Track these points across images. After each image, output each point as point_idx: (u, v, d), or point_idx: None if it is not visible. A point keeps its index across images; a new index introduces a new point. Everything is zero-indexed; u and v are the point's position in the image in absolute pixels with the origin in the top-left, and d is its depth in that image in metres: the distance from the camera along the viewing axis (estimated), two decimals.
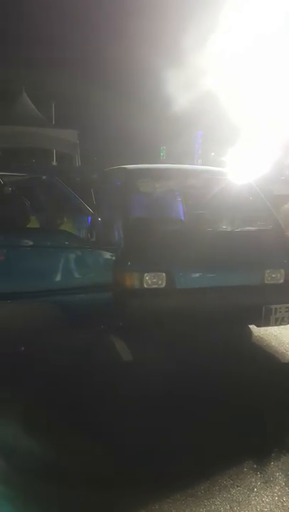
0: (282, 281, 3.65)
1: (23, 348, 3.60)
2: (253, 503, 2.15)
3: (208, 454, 2.49)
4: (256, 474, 2.34)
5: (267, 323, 3.61)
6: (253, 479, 2.31)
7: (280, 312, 3.55)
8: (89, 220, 4.39)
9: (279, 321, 3.60)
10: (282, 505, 2.14)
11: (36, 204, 5.00)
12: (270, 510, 2.11)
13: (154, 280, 3.44)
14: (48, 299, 3.46)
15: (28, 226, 4.64)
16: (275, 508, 2.13)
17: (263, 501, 2.16)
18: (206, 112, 19.18)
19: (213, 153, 18.95)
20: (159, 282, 3.45)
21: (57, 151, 17.51)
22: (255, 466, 2.41)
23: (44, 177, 4.56)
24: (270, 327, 4.05)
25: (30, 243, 3.56)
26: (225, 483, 2.28)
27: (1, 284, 3.32)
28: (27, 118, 16.58)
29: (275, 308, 3.53)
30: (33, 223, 4.81)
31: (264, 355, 3.95)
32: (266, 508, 2.13)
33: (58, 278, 3.49)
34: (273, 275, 3.63)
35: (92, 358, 3.66)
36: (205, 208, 4.42)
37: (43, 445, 2.48)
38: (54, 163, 17.02)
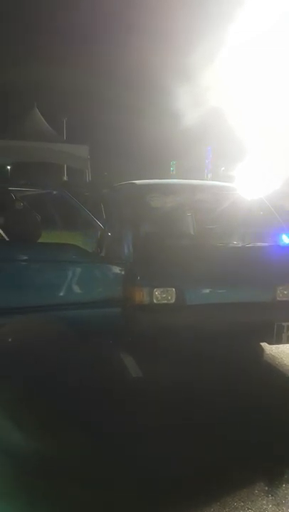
0: None
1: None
2: None
3: (219, 474, 2.44)
4: (267, 496, 2.28)
5: (279, 341, 3.54)
6: (264, 501, 2.25)
7: None
8: (99, 235, 4.41)
9: None
10: None
11: (47, 218, 5.06)
12: None
13: (164, 295, 3.42)
14: (57, 313, 3.46)
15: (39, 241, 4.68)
16: None
17: None
18: (216, 126, 19.31)
19: (223, 168, 18.99)
20: (169, 298, 3.42)
21: (68, 166, 17.71)
22: (266, 488, 2.35)
23: (55, 192, 4.60)
24: (282, 345, 3.98)
25: (40, 257, 3.57)
26: (235, 504, 2.22)
27: (11, 298, 3.33)
28: (38, 133, 16.85)
29: (288, 326, 3.47)
30: (44, 238, 4.85)
31: (276, 374, 3.88)
32: None
33: (67, 292, 3.48)
34: (285, 292, 3.58)
35: (101, 373, 3.63)
36: (215, 223, 4.41)
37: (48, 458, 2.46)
38: (65, 178, 17.21)
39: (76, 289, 3.51)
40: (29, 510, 2.16)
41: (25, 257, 3.52)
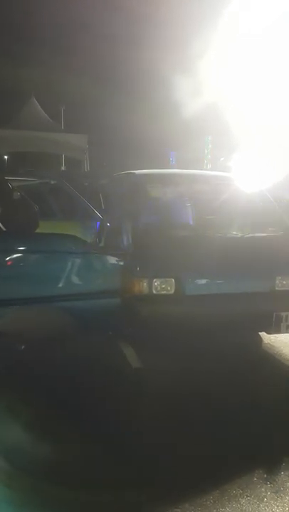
0: None
1: (22, 347, 3.57)
2: None
3: (218, 463, 2.46)
4: (266, 484, 2.31)
5: (277, 331, 3.57)
6: (263, 489, 2.27)
7: None
8: (98, 225, 4.40)
9: None
10: None
11: (45, 209, 5.02)
12: None
13: (163, 286, 3.41)
14: (56, 304, 3.45)
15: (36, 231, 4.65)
16: None
17: (273, 511, 2.13)
18: (216, 117, 19.18)
19: (222, 159, 18.90)
20: (168, 288, 3.42)
21: (66, 156, 17.58)
22: (265, 475, 2.37)
23: (53, 182, 4.57)
24: (280, 334, 3.99)
25: (38, 248, 3.55)
26: (234, 492, 2.24)
27: (9, 289, 3.32)
28: (36, 122, 16.67)
29: (286, 316, 3.48)
30: (42, 228, 4.82)
31: (274, 363, 3.90)
32: None
33: (66, 283, 3.47)
34: (284, 282, 3.58)
35: (100, 364, 3.64)
36: (214, 214, 4.39)
37: (48, 449, 2.48)
38: (63, 168, 17.10)
39: (75, 279, 3.50)
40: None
41: (22, 248, 3.50)
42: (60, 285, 3.44)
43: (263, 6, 17.31)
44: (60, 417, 2.80)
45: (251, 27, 18.29)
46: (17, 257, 3.45)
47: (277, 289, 3.58)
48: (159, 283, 3.40)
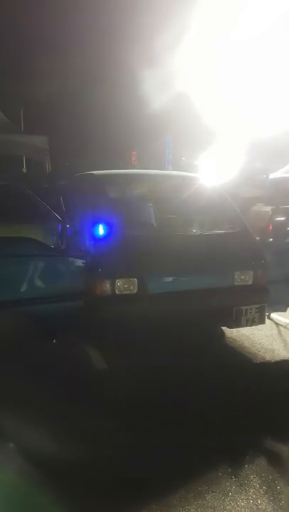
0: (250, 282, 3.69)
1: None
2: (228, 507, 2.14)
3: (182, 460, 2.48)
4: (231, 478, 2.34)
5: (238, 325, 3.65)
6: (228, 483, 2.31)
7: (251, 313, 3.60)
8: (59, 228, 4.33)
9: (250, 322, 3.64)
10: (257, 508, 2.14)
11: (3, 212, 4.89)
12: None
13: (126, 286, 3.42)
14: (18, 309, 3.38)
15: None
16: (250, 511, 2.12)
17: (238, 505, 2.16)
18: (177, 116, 19.32)
19: (184, 158, 19.09)
20: (131, 288, 3.42)
21: (26, 157, 17.25)
22: (229, 470, 2.40)
23: (10, 184, 4.47)
24: (241, 328, 4.08)
25: None
26: (200, 489, 2.26)
27: None
28: None
29: (246, 310, 3.57)
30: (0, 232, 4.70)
31: (237, 356, 3.98)
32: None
33: (27, 287, 3.40)
34: (242, 277, 3.67)
35: (65, 366, 3.59)
36: (175, 213, 4.43)
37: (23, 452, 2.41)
38: (24, 169, 16.78)
39: (37, 283, 3.43)
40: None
41: None
42: (22, 289, 3.37)
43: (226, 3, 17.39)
44: (25, 421, 2.74)
45: (214, 20, 18.36)
46: None
47: (236, 284, 3.66)
48: (121, 283, 3.40)
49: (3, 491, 2.23)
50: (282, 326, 4.69)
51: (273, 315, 4.72)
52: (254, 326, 3.99)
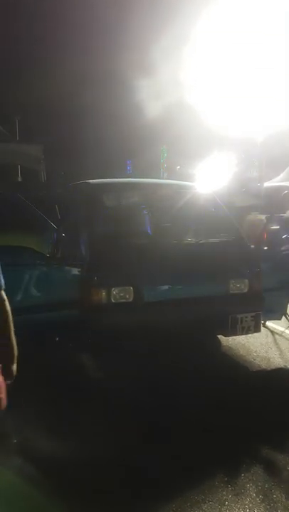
0: (246, 290, 3.71)
1: None
2: None
3: (178, 469, 2.46)
4: (227, 487, 2.33)
5: (234, 333, 3.65)
6: (224, 492, 2.30)
7: (246, 321, 3.61)
8: (54, 236, 4.34)
9: (245, 330, 3.65)
10: None
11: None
12: None
13: (122, 294, 3.42)
14: (14, 318, 3.36)
15: None
16: None
17: None
18: (172, 125, 19.47)
19: (178, 167, 19.23)
20: (127, 296, 3.43)
21: (22, 166, 17.32)
22: (226, 479, 2.39)
23: (5, 193, 4.48)
24: (237, 336, 4.08)
25: None
26: (196, 498, 2.25)
27: None
28: None
29: (241, 318, 3.58)
30: None
31: (233, 365, 3.98)
32: None
33: (24, 296, 3.40)
34: (238, 285, 3.69)
35: (61, 375, 3.57)
36: (170, 221, 4.45)
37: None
38: (19, 178, 16.82)
39: (32, 292, 3.43)
40: None
41: None
42: (17, 298, 3.36)
43: (218, 10, 17.52)
44: (24, 421, 2.72)
45: (207, 33, 18.53)
46: None
47: (231, 292, 3.67)
48: (117, 291, 3.40)
49: (3, 491, 2.21)
50: (277, 334, 4.70)
51: (269, 323, 4.73)
52: (250, 334, 4.02)
